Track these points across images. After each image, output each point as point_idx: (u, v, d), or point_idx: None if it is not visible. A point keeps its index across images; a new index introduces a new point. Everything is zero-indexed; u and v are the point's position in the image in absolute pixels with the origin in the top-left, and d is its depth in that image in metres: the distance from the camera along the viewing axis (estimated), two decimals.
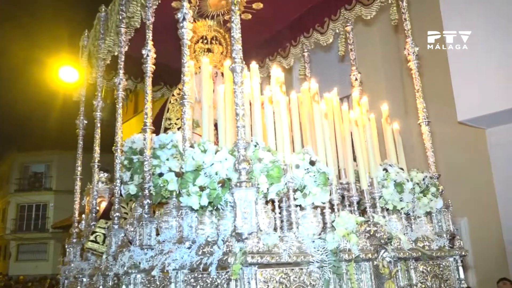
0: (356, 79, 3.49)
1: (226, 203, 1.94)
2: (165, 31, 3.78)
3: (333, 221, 2.21)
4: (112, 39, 3.86)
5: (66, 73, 9.30)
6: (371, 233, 2.25)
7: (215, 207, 2.01)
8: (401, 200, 2.52)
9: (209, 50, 3.88)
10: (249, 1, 3.89)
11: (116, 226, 3.03)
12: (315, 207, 2.18)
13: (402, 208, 2.54)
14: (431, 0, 6.00)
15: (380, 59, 6.41)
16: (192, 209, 2.19)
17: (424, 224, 2.67)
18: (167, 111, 3.74)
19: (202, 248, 2.00)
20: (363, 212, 2.55)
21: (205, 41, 3.90)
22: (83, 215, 3.87)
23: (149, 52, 2.94)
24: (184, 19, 2.56)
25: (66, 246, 3.85)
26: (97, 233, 3.16)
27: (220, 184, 1.91)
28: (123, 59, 3.39)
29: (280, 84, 2.30)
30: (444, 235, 2.68)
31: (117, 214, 3.06)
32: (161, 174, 2.44)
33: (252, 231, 1.77)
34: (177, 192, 2.42)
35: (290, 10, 4.08)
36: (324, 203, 2.15)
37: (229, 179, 1.94)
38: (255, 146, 2.02)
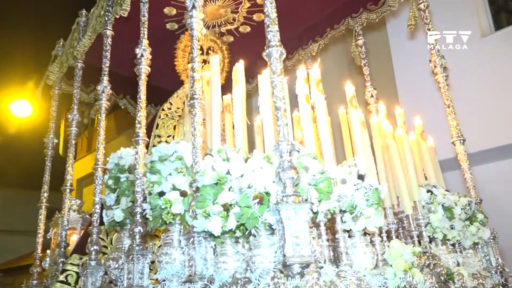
0: (372, 96, 3.15)
1: (264, 225, 1.44)
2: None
3: (383, 253, 1.75)
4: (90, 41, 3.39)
5: (18, 107, 8.96)
6: (430, 268, 1.80)
7: (246, 232, 1.51)
8: (452, 228, 2.10)
9: (204, 61, 3.45)
10: (250, 12, 3.55)
11: (93, 263, 2.42)
12: (364, 234, 1.73)
13: (453, 237, 2.12)
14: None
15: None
16: (208, 237, 1.68)
17: (473, 257, 2.25)
18: (156, 128, 3.23)
19: None
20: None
21: (200, 51, 3.47)
22: (48, 251, 3.20)
23: (144, 52, 2.48)
24: (193, 7, 2.13)
25: None
26: (68, 272, 2.54)
27: (257, 200, 1.42)
28: (107, 64, 2.90)
29: (317, 82, 1.88)
30: (494, 271, 2.27)
31: (95, 247, 2.46)
32: (162, 193, 1.92)
33: (309, 262, 1.27)
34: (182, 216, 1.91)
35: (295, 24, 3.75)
36: (378, 228, 1.69)
37: (267, 193, 1.46)
38: (297, 151, 1.57)
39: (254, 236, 1.50)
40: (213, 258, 1.67)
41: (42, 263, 3.11)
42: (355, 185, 1.67)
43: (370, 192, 1.67)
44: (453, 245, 2.23)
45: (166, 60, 3.85)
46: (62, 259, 2.85)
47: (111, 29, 2.99)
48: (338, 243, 1.63)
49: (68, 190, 3.03)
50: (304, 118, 1.76)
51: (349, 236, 1.69)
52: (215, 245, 1.71)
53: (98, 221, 2.52)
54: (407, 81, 4.65)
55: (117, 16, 2.82)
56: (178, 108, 3.35)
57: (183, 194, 1.91)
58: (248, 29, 3.75)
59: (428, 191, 2.19)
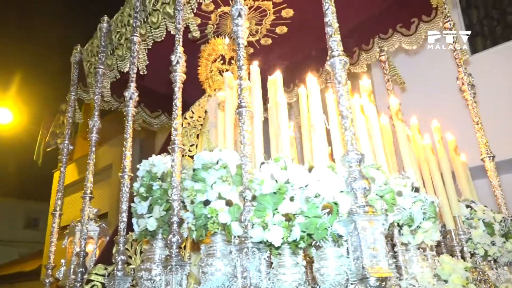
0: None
1: (333, 236, 1.41)
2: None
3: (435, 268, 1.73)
4: (119, 53, 3.36)
5: None
6: (482, 283, 1.78)
7: (312, 243, 1.47)
8: (493, 244, 2.09)
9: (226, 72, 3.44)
10: (274, 24, 3.56)
11: (120, 273, 2.34)
12: (418, 248, 1.70)
13: (493, 254, 2.11)
14: None
15: None
16: (262, 248, 1.64)
17: (508, 275, 2.24)
18: None
19: None
20: None
21: (221, 61, 3.46)
22: (62, 261, 3.10)
23: (180, 59, 2.45)
24: (239, 15, 2.12)
25: None
26: (93, 283, 2.45)
27: (328, 210, 1.39)
28: (135, 71, 2.86)
29: (369, 93, 1.88)
30: None
31: (122, 257, 2.39)
32: (207, 202, 1.87)
33: (389, 275, 1.24)
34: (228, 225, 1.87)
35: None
36: (434, 241, 1.67)
37: (335, 204, 1.43)
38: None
39: (318, 247, 1.46)
40: (266, 269, 1.63)
41: (57, 273, 3.01)
42: (412, 197, 1.65)
43: (426, 205, 1.65)
44: (490, 261, 2.22)
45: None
46: (81, 269, 2.76)
47: (139, 35, 2.97)
48: (397, 257, 1.60)
49: (88, 198, 2.95)
50: (360, 129, 1.75)
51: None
52: (268, 256, 1.67)
53: (125, 230, 2.45)
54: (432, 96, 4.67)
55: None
56: (199, 117, 3.32)
57: (229, 203, 1.87)
58: (269, 41, 3.76)
59: (468, 206, 2.19)
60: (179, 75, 2.44)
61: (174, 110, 2.36)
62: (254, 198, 1.61)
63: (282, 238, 1.50)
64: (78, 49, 3.86)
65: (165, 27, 2.93)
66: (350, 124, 1.46)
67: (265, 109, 2.47)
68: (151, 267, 2.19)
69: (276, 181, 1.56)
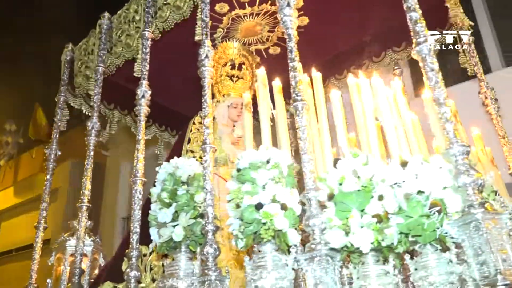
0: None
1: (443, 238, 1.22)
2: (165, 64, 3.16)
3: None
4: (116, 50, 3.11)
5: None
6: None
7: (412, 249, 1.27)
8: None
9: (236, 77, 3.25)
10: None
11: None
12: None
13: None
14: None
15: None
16: (334, 255, 1.42)
17: None
18: (188, 142, 2.92)
19: None
20: None
21: (230, 66, 3.27)
22: (49, 280, 2.69)
23: (209, 53, 2.25)
24: (288, 4, 1.95)
25: None
26: None
27: (438, 209, 1.21)
28: (147, 68, 2.61)
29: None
30: None
31: (135, 273, 2.07)
32: (259, 206, 1.63)
33: None
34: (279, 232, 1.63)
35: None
36: None
37: (441, 201, 1.25)
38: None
39: (413, 253, 1.27)
40: (339, 280, 1.41)
41: None
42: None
43: None
44: None
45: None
46: None
47: (151, 31, 2.74)
48: None
49: (84, 208, 2.60)
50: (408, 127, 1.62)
51: None
52: (341, 266, 1.45)
53: (138, 242, 2.14)
54: None
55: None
56: None
57: (284, 207, 1.64)
58: (278, 50, 3.62)
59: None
60: (208, 70, 2.23)
61: (204, 107, 2.14)
62: (331, 197, 1.40)
63: (372, 243, 1.29)
64: (70, 48, 3.54)
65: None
66: (450, 114, 1.31)
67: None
68: (177, 284, 1.89)
69: (359, 177, 1.37)
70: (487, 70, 5.05)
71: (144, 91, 2.52)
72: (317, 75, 2.12)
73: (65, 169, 9.59)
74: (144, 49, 2.66)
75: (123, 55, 3.08)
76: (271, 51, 3.64)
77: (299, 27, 3.39)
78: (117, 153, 9.17)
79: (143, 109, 2.49)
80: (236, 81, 3.22)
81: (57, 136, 3.25)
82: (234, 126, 3.20)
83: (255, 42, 3.53)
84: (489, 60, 5.26)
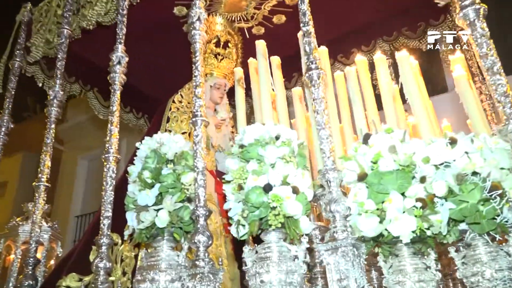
0: None
1: (502, 227, 1.04)
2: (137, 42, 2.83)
3: None
4: (84, 12, 2.74)
5: None
6: None
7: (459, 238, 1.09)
8: None
9: (220, 55, 2.99)
10: (272, 12, 3.19)
11: (104, 286, 1.72)
12: None
13: None
14: None
15: None
16: (359, 246, 1.22)
17: None
18: (167, 122, 2.62)
19: None
20: None
21: (214, 43, 3.00)
22: None
23: (201, 15, 1.98)
24: None
25: None
26: None
27: (499, 192, 1.03)
28: (124, 31, 2.29)
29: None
30: None
31: (105, 264, 1.77)
32: (268, 187, 1.40)
33: None
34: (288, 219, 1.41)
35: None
36: None
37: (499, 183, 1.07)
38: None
39: (468, 245, 1.09)
40: (364, 274, 1.21)
41: None
42: None
43: None
44: None
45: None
46: (29, 282, 2.03)
47: None
48: None
49: (42, 187, 2.24)
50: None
51: None
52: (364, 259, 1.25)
53: (110, 228, 1.84)
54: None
55: None
56: (189, 103, 2.79)
57: (295, 190, 1.42)
58: (262, 31, 3.38)
59: None
60: (200, 34, 1.96)
61: (195, 75, 1.87)
62: (362, 178, 1.19)
63: (413, 232, 1.10)
64: (28, 8, 3.11)
65: None
66: (506, 86, 1.14)
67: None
68: (158, 277, 1.61)
69: (396, 155, 1.17)
70: None
71: (120, 56, 2.20)
72: (323, 48, 1.92)
73: (16, 162, 8.97)
74: (121, 10, 2.34)
75: (89, 18, 2.71)
76: (254, 30, 3.39)
77: (287, 6, 3.19)
78: (73, 147, 8.54)
79: (118, 76, 2.17)
80: (221, 59, 2.95)
81: (10, 106, 2.82)
82: (215, 110, 2.94)
83: (238, 19, 3.27)
84: None
